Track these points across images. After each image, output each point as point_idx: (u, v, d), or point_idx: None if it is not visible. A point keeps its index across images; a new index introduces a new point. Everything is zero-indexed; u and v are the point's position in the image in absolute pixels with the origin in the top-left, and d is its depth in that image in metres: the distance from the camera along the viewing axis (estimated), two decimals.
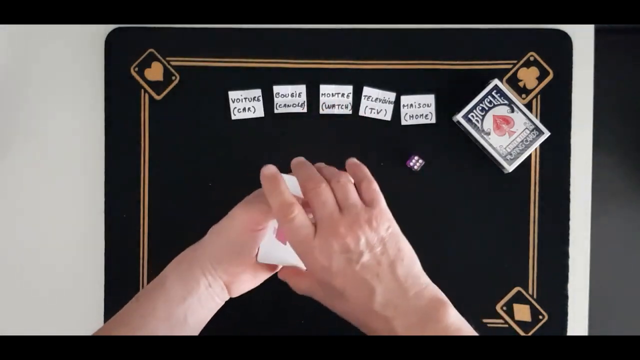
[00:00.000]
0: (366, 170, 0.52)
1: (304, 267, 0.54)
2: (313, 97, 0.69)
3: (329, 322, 0.69)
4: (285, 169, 0.69)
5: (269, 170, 0.51)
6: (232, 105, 0.69)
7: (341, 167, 0.68)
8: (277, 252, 0.55)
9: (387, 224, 0.48)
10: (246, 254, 0.56)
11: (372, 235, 0.47)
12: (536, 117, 0.68)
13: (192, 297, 0.53)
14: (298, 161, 0.53)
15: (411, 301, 0.47)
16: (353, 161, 0.53)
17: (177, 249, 0.69)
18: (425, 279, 0.49)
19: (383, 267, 0.47)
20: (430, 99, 0.69)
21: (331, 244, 0.46)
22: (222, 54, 0.69)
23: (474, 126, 0.66)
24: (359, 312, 0.48)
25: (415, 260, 0.49)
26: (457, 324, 0.48)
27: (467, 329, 0.49)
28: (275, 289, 0.69)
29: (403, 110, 0.69)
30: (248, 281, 0.57)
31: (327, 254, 0.46)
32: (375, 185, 0.50)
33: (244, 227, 0.53)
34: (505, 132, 0.66)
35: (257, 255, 0.56)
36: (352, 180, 0.51)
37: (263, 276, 0.59)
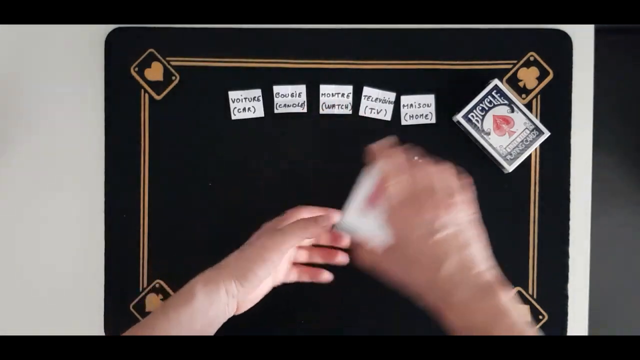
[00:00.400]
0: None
1: (383, 240, 0.56)
2: (313, 97, 0.69)
3: (329, 322, 0.69)
4: (286, 170, 0.69)
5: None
6: (232, 105, 0.69)
7: (342, 168, 0.68)
8: (361, 222, 0.57)
9: (471, 211, 0.55)
10: (269, 279, 0.60)
11: (456, 216, 0.53)
12: (536, 117, 0.68)
13: (215, 315, 0.56)
14: (381, 150, 0.58)
15: (472, 278, 0.52)
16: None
17: (177, 249, 0.69)
18: (491, 264, 0.53)
19: (457, 246, 0.52)
20: (430, 99, 0.69)
21: (420, 215, 0.53)
22: (222, 54, 0.69)
23: (474, 126, 0.66)
24: (422, 282, 0.53)
25: (487, 248, 0.54)
26: (508, 305, 0.51)
27: (517, 313, 0.51)
28: (275, 289, 0.69)
29: (403, 110, 0.69)
30: (254, 300, 0.61)
31: (412, 223, 0.53)
32: (470, 179, 0.57)
33: (276, 261, 0.57)
34: (505, 132, 0.66)
35: (336, 224, 0.59)
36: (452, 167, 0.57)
37: (264, 292, 0.62)
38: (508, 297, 0.52)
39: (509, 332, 0.50)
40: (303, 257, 0.64)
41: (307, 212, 0.62)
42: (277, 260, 0.56)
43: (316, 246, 0.65)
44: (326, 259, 0.64)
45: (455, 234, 0.53)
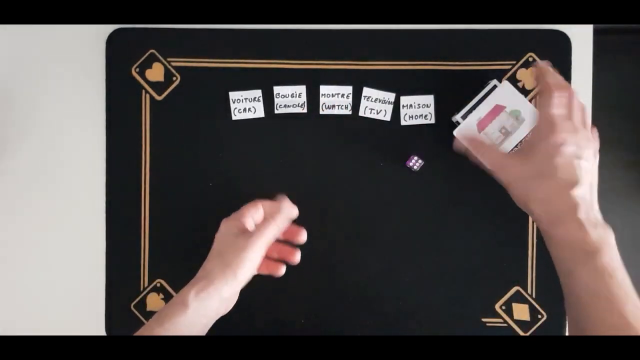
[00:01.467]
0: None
1: (496, 149, 0.62)
2: (313, 98, 0.69)
3: (329, 322, 0.69)
4: (286, 170, 0.69)
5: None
6: (232, 106, 0.69)
7: (343, 169, 0.69)
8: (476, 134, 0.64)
9: (597, 155, 0.60)
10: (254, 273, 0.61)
11: (594, 155, 0.58)
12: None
13: (208, 321, 0.59)
14: (547, 68, 0.61)
15: (595, 213, 0.56)
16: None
17: (177, 249, 0.70)
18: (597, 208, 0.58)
19: (590, 175, 0.57)
20: (429, 99, 0.69)
21: (573, 135, 0.57)
22: (222, 55, 0.69)
23: None
24: (552, 193, 0.56)
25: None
26: (617, 255, 0.56)
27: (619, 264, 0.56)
28: (275, 289, 0.69)
29: (403, 111, 0.69)
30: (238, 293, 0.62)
31: (565, 138, 0.57)
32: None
33: (259, 260, 0.59)
34: None
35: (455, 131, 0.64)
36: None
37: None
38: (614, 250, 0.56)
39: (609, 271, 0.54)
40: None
41: (267, 207, 0.62)
42: (259, 259, 0.59)
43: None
44: (282, 255, 0.64)
45: (592, 166, 0.58)
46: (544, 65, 0.61)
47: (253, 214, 0.62)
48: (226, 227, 0.62)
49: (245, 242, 0.58)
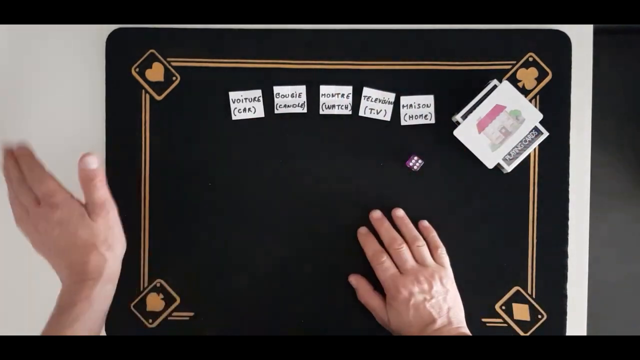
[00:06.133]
0: (436, 237, 0.68)
1: (491, 162, 0.66)
2: (313, 98, 0.69)
3: (329, 322, 0.69)
4: (286, 170, 0.69)
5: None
6: (232, 106, 0.69)
7: (342, 169, 0.69)
8: (472, 137, 0.66)
9: (451, 282, 0.66)
10: None
11: (440, 287, 0.64)
12: None
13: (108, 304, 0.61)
14: (378, 218, 0.68)
15: (452, 331, 0.63)
16: (425, 225, 0.68)
17: (177, 249, 0.70)
18: (464, 322, 0.65)
19: (444, 309, 0.63)
20: (429, 99, 0.69)
21: (413, 284, 0.64)
22: (222, 55, 0.69)
23: None
24: (412, 331, 0.63)
25: (462, 310, 0.66)
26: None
27: None
28: (275, 289, 0.69)
29: (403, 111, 0.69)
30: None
31: (409, 290, 0.64)
32: (444, 251, 0.67)
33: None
34: None
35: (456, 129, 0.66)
36: (425, 244, 0.67)
37: None
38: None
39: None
40: None
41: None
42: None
43: None
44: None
45: (441, 301, 0.64)
46: (365, 232, 0.69)
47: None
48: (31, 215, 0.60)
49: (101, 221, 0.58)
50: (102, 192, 0.59)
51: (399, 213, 0.68)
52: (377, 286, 0.67)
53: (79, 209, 0.59)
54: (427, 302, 0.63)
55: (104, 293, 0.58)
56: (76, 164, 0.70)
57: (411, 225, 0.68)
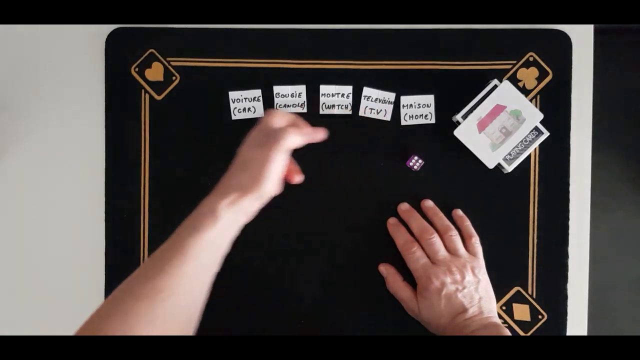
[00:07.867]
0: (470, 225, 0.68)
1: (492, 162, 0.66)
2: (313, 97, 0.69)
3: (329, 322, 0.69)
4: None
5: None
6: (232, 106, 0.69)
7: (342, 168, 0.69)
8: (472, 137, 0.66)
9: (483, 271, 0.66)
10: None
11: (472, 277, 0.64)
12: None
13: (233, 235, 0.57)
14: (407, 210, 0.68)
15: (483, 320, 0.63)
16: (459, 214, 0.69)
17: None
18: (495, 312, 0.65)
19: (475, 299, 0.64)
20: (430, 99, 0.69)
21: (445, 275, 0.64)
22: (222, 54, 0.69)
23: None
24: (442, 321, 0.63)
25: (494, 299, 0.66)
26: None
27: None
28: (275, 289, 0.69)
29: (403, 111, 0.69)
30: None
31: (441, 280, 0.64)
32: (478, 240, 0.67)
33: (281, 172, 0.57)
34: None
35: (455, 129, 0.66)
36: (457, 233, 0.67)
37: None
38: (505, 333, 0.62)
39: None
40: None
41: (279, 117, 0.60)
42: (281, 171, 0.57)
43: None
44: (287, 173, 0.62)
45: (473, 290, 0.64)
46: (395, 222, 0.68)
47: (280, 118, 0.59)
48: (252, 138, 0.59)
49: (269, 154, 0.56)
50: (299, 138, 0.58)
51: (428, 204, 0.68)
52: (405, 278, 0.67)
53: None
54: (459, 292, 0.63)
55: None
56: (76, 163, 0.70)
57: (442, 215, 0.68)
